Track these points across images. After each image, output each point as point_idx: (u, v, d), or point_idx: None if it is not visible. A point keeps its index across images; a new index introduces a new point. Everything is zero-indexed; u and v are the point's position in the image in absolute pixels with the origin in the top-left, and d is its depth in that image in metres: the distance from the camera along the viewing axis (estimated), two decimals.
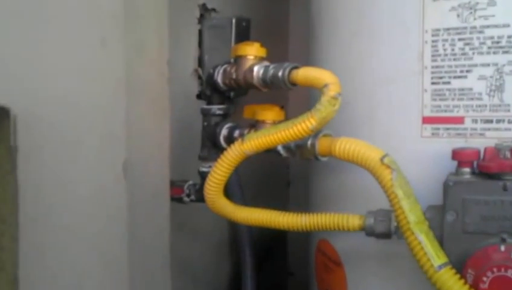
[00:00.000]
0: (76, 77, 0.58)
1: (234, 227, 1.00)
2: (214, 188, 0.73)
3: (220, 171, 0.71)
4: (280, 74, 0.70)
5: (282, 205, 1.26)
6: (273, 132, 0.67)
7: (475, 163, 0.63)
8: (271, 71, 0.71)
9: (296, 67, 0.70)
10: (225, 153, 0.71)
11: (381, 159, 0.64)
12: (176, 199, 0.84)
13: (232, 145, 0.70)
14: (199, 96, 0.94)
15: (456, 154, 0.64)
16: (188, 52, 0.94)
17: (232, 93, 0.85)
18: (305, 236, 0.91)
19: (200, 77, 0.93)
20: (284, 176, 1.38)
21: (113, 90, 0.63)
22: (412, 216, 0.62)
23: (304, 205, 0.92)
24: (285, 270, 1.39)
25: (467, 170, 0.63)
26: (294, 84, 0.70)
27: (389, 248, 0.72)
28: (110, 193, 0.64)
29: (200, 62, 0.90)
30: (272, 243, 1.25)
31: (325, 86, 0.65)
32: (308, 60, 0.86)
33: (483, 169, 0.62)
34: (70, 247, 0.58)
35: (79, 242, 0.60)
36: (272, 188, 1.29)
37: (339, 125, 0.76)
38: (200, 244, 1.01)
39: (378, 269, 0.76)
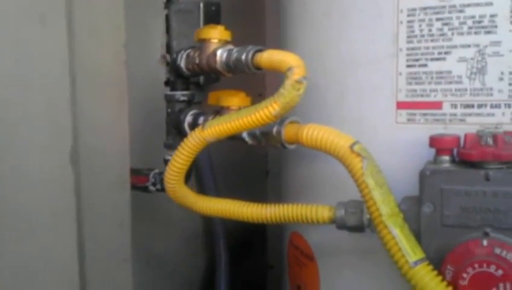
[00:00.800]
0: (9, 58, 0.50)
1: (207, 218, 0.93)
2: (174, 177, 0.65)
3: (180, 159, 0.63)
4: (243, 57, 0.62)
5: (260, 195, 1.18)
6: (235, 118, 0.60)
7: (455, 151, 0.56)
8: (234, 55, 0.64)
9: (260, 51, 0.62)
10: (185, 140, 0.63)
11: (351, 147, 0.56)
12: (140, 188, 0.76)
13: (192, 132, 0.63)
14: (167, 83, 0.86)
15: (433, 141, 0.56)
16: (155, 37, 0.86)
17: (201, 79, 0.78)
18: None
19: (168, 64, 0.85)
20: (262, 165, 1.30)
21: (55, 73, 0.55)
22: (385, 208, 0.55)
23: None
24: (265, 264, 1.31)
25: (446, 158, 0.56)
26: (258, 68, 0.62)
27: (366, 242, 0.64)
28: (55, 184, 0.56)
29: (168, 48, 0.82)
30: (251, 235, 1.16)
31: (289, 69, 0.57)
32: (280, 42, 0.79)
33: (463, 157, 0.55)
34: (12, 246, 0.51)
35: (20, 239, 0.52)
36: (249, 179, 1.21)
37: (309, 111, 0.68)
38: (173, 236, 0.93)
39: (354, 265, 0.68)
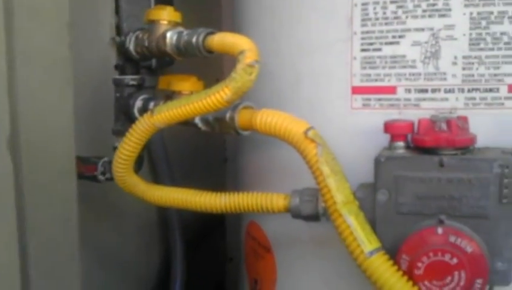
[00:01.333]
0: None
1: (162, 209, 0.89)
2: (122, 165, 0.61)
3: (128, 146, 0.60)
4: (194, 40, 0.59)
5: (219, 183, 1.13)
6: (185, 103, 0.56)
7: (409, 136, 0.54)
8: (185, 38, 0.60)
9: (211, 33, 0.58)
10: (133, 126, 0.59)
11: (305, 133, 0.54)
12: (88, 177, 0.72)
13: (140, 118, 0.59)
14: (117, 66, 0.82)
15: (388, 126, 0.54)
16: (104, 18, 0.81)
17: (153, 63, 0.74)
18: None
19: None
20: (221, 152, 1.26)
21: None
22: (340, 196, 0.52)
23: None
24: (224, 256, 1.27)
25: (401, 144, 0.54)
26: (210, 51, 0.59)
27: (323, 231, 0.61)
28: None
29: (118, 30, 0.78)
30: (209, 226, 1.12)
31: (241, 52, 0.54)
32: (233, 26, 0.75)
33: (417, 143, 0.53)
34: None
35: None
36: (207, 166, 1.16)
37: (265, 96, 0.65)
38: (126, 229, 0.88)
39: (311, 255, 0.65)
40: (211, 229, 1.12)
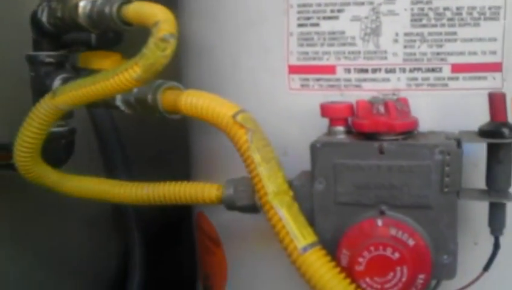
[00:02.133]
0: None
1: None
2: (25, 154, 0.54)
3: (29, 132, 0.52)
4: (107, 9, 0.51)
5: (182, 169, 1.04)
6: (90, 83, 0.49)
7: (350, 120, 0.49)
8: (98, 7, 0.52)
9: (127, 2, 0.51)
10: (34, 110, 0.52)
11: (234, 116, 0.48)
12: (3, 166, 0.64)
13: (41, 100, 0.52)
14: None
15: (324, 109, 0.49)
16: None
17: (93, 39, 0.65)
18: None
19: None
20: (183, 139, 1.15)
21: None
22: (271, 185, 0.47)
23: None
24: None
25: (340, 128, 0.49)
26: (128, 23, 0.52)
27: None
28: None
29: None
30: (174, 216, 1.03)
31: (156, 24, 0.47)
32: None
33: (356, 127, 0.48)
34: None
35: None
36: (168, 151, 1.06)
37: (203, 76, 0.59)
38: (71, 223, 0.80)
39: (260, 249, 0.59)
40: (175, 220, 1.02)
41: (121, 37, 0.66)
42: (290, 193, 0.48)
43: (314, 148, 0.47)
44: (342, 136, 0.49)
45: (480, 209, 0.47)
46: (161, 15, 0.46)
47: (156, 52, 0.46)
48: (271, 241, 0.57)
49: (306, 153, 0.50)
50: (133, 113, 0.57)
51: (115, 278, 0.88)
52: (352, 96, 0.52)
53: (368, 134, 0.47)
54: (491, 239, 0.48)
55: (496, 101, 0.44)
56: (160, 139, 0.91)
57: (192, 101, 0.49)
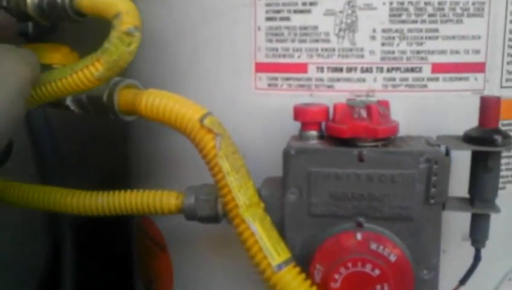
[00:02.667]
0: None
1: None
2: None
3: None
4: None
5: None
6: (46, 81, 0.43)
7: (323, 124, 0.45)
8: None
9: None
10: None
11: (201, 120, 0.43)
12: None
13: None
14: None
15: (298, 112, 0.45)
16: None
17: (30, 28, 0.58)
18: None
19: None
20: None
21: None
22: (242, 197, 0.43)
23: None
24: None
25: (313, 133, 0.45)
26: (81, 14, 0.46)
27: (222, 229, 0.50)
28: None
29: None
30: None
31: (117, 15, 0.41)
32: None
33: (333, 133, 0.43)
34: None
35: None
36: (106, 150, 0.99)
37: (159, 71, 0.54)
38: None
39: (210, 255, 0.55)
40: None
41: (56, 25, 0.59)
42: (261, 204, 0.43)
43: (288, 155, 0.43)
44: (314, 142, 0.45)
45: (450, 215, 0.44)
46: (122, 5, 0.41)
47: (120, 48, 0.40)
48: (221, 248, 0.54)
49: (268, 158, 0.47)
50: (83, 114, 0.51)
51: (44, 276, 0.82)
52: (323, 97, 0.48)
53: (345, 140, 0.43)
54: (461, 247, 0.45)
55: (489, 106, 0.41)
56: (97, 141, 0.84)
57: (154, 102, 0.44)
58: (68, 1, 0.45)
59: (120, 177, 0.57)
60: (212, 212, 0.46)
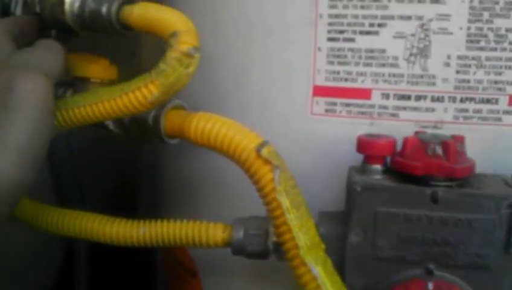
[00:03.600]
0: None
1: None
2: None
3: None
4: (104, 10, 0.41)
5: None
6: (91, 101, 0.39)
7: (389, 158, 0.40)
8: (91, 5, 0.42)
9: (130, 2, 0.41)
10: None
11: (258, 150, 0.38)
12: None
13: None
14: None
15: (363, 144, 0.40)
16: None
17: (53, 33, 0.54)
18: None
19: None
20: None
21: None
22: (303, 238, 0.38)
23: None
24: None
25: (378, 167, 0.40)
26: (127, 27, 0.41)
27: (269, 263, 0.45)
28: None
29: None
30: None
31: (174, 34, 0.37)
32: None
33: (402, 168, 0.39)
34: None
35: None
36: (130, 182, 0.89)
37: (198, 89, 0.49)
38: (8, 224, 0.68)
39: (246, 285, 0.50)
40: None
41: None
42: (323, 246, 0.39)
43: (353, 192, 0.39)
44: (379, 177, 0.40)
45: None
46: (180, 24, 0.37)
47: (178, 69, 0.36)
48: (257, 278, 0.50)
49: (320, 189, 0.43)
50: (121, 134, 0.46)
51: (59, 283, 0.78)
52: (385, 126, 0.44)
53: (416, 178, 0.38)
54: None
55: None
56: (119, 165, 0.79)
57: (205, 127, 0.39)
58: (115, 14, 0.40)
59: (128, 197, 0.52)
60: (262, 248, 0.42)
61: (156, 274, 0.70)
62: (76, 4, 0.42)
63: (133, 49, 0.82)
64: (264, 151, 0.38)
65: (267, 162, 0.38)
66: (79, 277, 0.75)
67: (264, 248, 0.42)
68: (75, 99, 0.39)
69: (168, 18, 0.38)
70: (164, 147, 0.48)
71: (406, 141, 0.39)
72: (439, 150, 0.38)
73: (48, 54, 0.39)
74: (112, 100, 0.38)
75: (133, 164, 0.83)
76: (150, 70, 0.37)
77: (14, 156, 0.32)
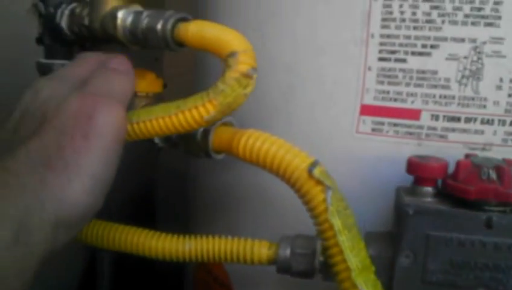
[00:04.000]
0: None
1: None
2: None
3: None
4: (159, 27, 0.40)
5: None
6: (145, 117, 0.39)
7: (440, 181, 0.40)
8: (145, 21, 0.41)
9: (185, 20, 0.41)
10: None
11: (309, 170, 0.38)
12: None
13: None
14: (39, 40, 0.61)
15: (414, 166, 0.40)
16: None
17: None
18: None
19: (41, 15, 0.60)
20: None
21: None
22: (354, 260, 0.38)
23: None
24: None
25: (429, 190, 0.40)
26: (181, 44, 0.41)
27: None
28: None
29: None
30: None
31: (232, 54, 0.37)
32: (199, 9, 0.56)
33: (455, 192, 0.38)
34: None
35: None
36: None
37: (244, 107, 0.48)
38: None
39: None
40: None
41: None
42: (373, 268, 0.39)
43: (404, 215, 0.38)
44: (430, 200, 0.40)
45: None
46: (238, 43, 0.36)
47: (236, 90, 0.36)
48: None
49: (365, 210, 0.42)
50: (167, 148, 0.46)
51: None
52: (432, 147, 0.43)
53: (469, 202, 0.38)
54: None
55: None
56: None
57: (255, 145, 0.39)
58: (170, 31, 0.40)
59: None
60: (308, 267, 0.42)
61: (182, 286, 0.70)
62: (129, 20, 0.42)
63: (156, 54, 0.82)
64: (316, 172, 0.38)
65: (318, 182, 0.38)
66: (101, 284, 0.74)
67: (311, 267, 0.41)
68: (128, 116, 0.39)
69: (225, 38, 0.37)
70: (199, 160, 0.48)
71: (458, 164, 0.39)
72: (493, 175, 0.38)
73: (124, 80, 0.40)
74: (167, 117, 0.38)
75: (151, 173, 0.83)
76: (207, 89, 0.37)
77: (86, 183, 0.33)
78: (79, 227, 0.35)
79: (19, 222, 0.31)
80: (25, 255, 0.31)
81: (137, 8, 0.44)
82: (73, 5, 0.48)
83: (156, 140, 0.45)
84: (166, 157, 0.61)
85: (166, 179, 0.75)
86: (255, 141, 0.40)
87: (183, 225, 0.61)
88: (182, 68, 0.72)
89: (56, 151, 0.33)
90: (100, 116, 0.35)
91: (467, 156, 0.41)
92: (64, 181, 0.33)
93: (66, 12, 0.48)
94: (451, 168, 0.40)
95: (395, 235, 0.39)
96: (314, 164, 0.38)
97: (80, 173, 0.33)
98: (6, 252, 0.30)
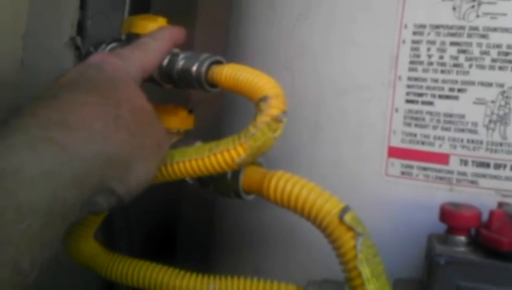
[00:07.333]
0: None
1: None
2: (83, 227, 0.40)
3: None
4: (194, 69, 0.38)
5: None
6: (179, 159, 0.35)
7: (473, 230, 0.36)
8: (180, 63, 0.39)
9: (218, 62, 0.38)
10: None
11: (340, 216, 0.34)
12: None
13: None
14: None
15: (447, 214, 0.36)
16: (65, 14, 0.57)
17: None
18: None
19: (77, 48, 0.57)
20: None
21: None
22: None
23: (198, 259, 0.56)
24: None
25: (462, 239, 0.35)
26: (213, 85, 0.38)
27: None
28: None
29: (81, 29, 0.54)
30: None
31: (264, 99, 0.34)
32: (228, 48, 0.53)
33: (487, 242, 0.34)
34: None
35: None
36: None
37: (275, 146, 0.45)
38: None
39: None
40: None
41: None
42: None
43: (436, 265, 0.34)
44: (463, 249, 0.35)
45: None
46: (270, 88, 0.33)
47: (266, 134, 0.33)
48: None
49: (395, 255, 0.38)
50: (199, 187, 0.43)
51: None
52: (464, 193, 0.39)
53: (502, 253, 0.34)
54: None
55: None
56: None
57: (286, 188, 0.36)
58: (204, 73, 0.37)
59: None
60: None
61: None
62: (165, 61, 0.39)
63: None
64: (347, 218, 0.34)
65: (349, 228, 0.34)
66: None
67: None
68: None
69: (258, 82, 0.34)
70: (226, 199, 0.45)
71: (492, 214, 0.35)
72: None
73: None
74: (200, 159, 0.35)
75: (174, 209, 0.79)
76: (238, 133, 0.34)
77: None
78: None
79: None
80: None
81: (174, 49, 0.41)
82: (113, 44, 0.46)
83: (189, 181, 0.42)
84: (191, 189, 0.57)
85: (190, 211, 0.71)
86: (285, 183, 0.36)
87: (203, 253, 0.57)
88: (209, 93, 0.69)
89: None
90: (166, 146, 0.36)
91: (500, 204, 0.37)
92: None
93: (106, 51, 0.45)
94: (484, 215, 0.36)
95: (425, 284, 0.36)
96: (345, 210, 0.35)
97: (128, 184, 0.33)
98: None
